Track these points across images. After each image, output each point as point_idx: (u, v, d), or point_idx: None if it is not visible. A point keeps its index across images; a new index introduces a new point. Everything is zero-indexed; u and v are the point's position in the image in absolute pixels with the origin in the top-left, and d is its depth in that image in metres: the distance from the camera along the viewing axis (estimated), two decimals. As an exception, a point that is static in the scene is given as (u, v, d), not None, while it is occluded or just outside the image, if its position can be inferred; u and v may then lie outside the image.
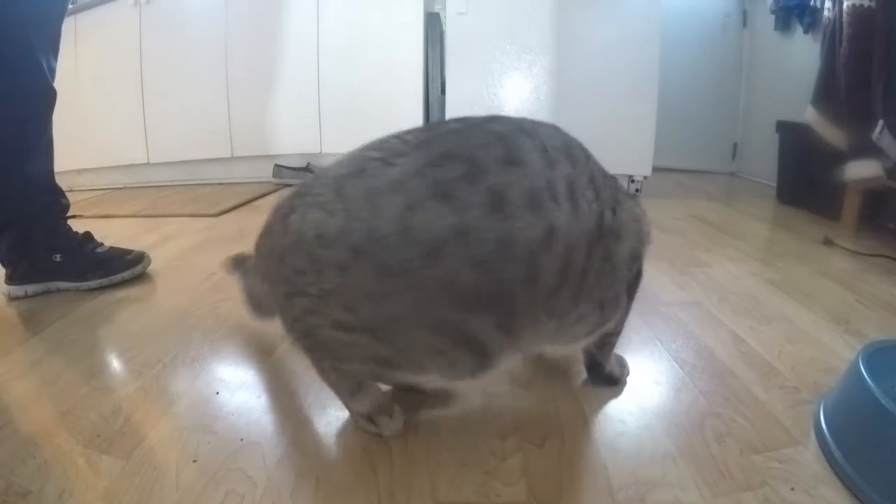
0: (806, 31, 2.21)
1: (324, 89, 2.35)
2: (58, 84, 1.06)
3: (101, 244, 1.16)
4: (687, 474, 0.56)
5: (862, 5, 1.48)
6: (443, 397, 0.71)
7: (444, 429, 0.64)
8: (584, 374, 0.75)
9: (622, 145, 2.06)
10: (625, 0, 2.03)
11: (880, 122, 1.47)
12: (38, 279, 1.08)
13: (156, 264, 1.22)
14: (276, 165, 2.39)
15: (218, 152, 2.39)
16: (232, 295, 1.07)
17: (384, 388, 0.68)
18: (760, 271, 1.24)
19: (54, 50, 1.06)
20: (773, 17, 2.37)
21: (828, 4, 1.69)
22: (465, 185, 0.50)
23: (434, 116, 2.42)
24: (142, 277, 1.17)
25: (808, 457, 0.60)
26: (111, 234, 1.26)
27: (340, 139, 2.41)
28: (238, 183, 2.40)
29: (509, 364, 0.58)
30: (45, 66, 1.02)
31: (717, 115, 2.75)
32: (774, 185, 2.16)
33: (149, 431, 0.64)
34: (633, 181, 2.14)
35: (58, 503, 0.53)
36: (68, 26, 1.08)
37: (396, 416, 0.64)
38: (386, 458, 0.59)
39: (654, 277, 1.18)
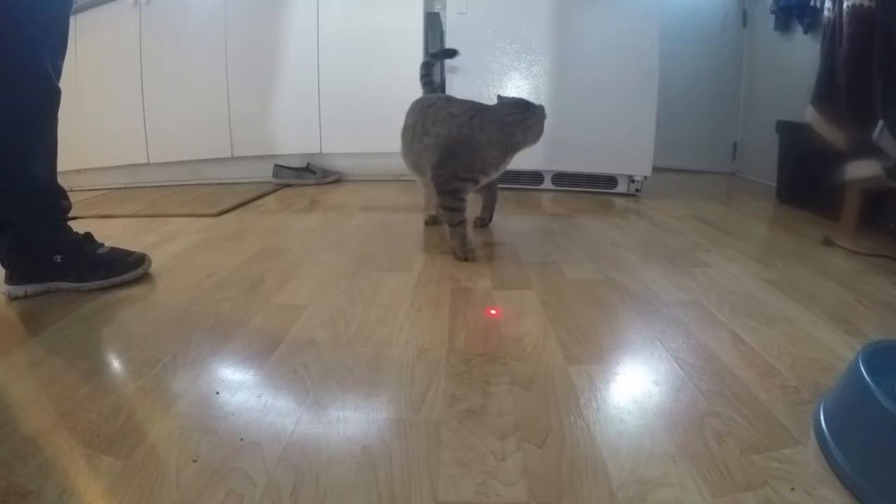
0: (806, 31, 2.21)
1: (324, 89, 2.36)
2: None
3: (102, 245, 1.16)
4: (687, 474, 0.57)
5: (862, 5, 1.48)
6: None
7: (443, 429, 0.64)
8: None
9: (622, 145, 2.07)
10: (625, 0, 2.03)
11: (880, 122, 1.47)
12: (38, 279, 1.08)
13: (156, 264, 1.22)
14: (276, 165, 2.39)
15: (218, 152, 2.39)
16: (232, 294, 1.08)
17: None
18: (760, 271, 1.24)
19: (60, 49, 1.05)
20: (772, 17, 2.37)
21: (828, 4, 1.69)
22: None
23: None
24: (141, 277, 1.17)
25: (808, 457, 0.60)
26: (111, 233, 1.26)
27: (340, 139, 2.41)
28: (238, 183, 2.40)
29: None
30: (48, 65, 1.01)
31: (717, 114, 2.75)
32: (774, 184, 2.16)
33: (149, 431, 0.64)
34: (633, 181, 2.13)
35: (58, 503, 0.53)
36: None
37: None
38: (386, 458, 0.59)
39: (654, 277, 1.18)
